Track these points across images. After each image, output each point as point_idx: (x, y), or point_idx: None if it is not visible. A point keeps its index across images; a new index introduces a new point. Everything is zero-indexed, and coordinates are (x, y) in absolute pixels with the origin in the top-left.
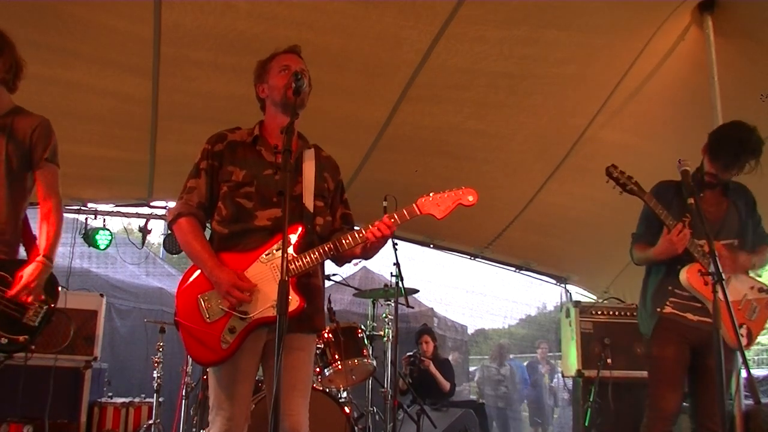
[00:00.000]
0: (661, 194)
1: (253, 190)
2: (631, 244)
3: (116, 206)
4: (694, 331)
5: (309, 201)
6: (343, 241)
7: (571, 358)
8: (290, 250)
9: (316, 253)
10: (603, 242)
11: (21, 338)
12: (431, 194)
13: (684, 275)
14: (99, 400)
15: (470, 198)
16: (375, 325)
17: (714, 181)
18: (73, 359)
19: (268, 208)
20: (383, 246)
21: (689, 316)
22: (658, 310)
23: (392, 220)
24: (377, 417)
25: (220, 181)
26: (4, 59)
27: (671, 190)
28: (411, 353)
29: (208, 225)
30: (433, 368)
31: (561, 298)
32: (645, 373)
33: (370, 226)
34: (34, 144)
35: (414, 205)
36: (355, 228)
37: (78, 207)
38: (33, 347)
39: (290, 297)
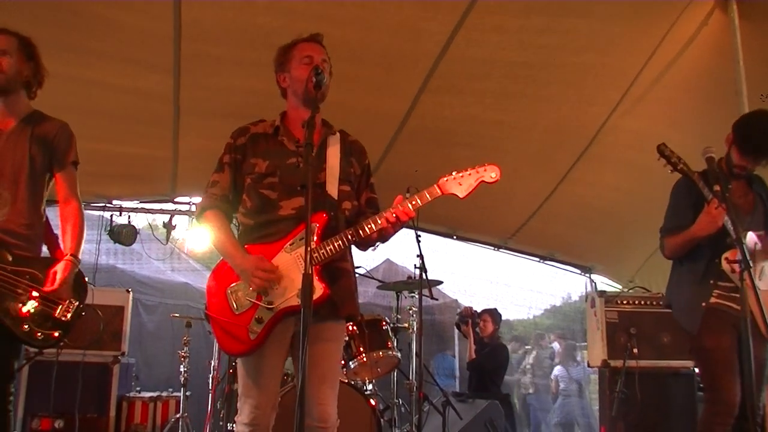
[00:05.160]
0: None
1: (277, 180)
2: (662, 238)
3: (140, 203)
4: (738, 321)
5: (333, 188)
6: (366, 227)
7: (597, 349)
8: (313, 238)
9: (339, 241)
10: (627, 231)
11: (55, 334)
12: (453, 173)
13: (727, 263)
14: (127, 394)
15: (493, 175)
16: (399, 317)
17: (742, 173)
18: (101, 354)
19: (292, 197)
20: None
21: (733, 305)
22: (704, 304)
23: (414, 203)
24: (403, 409)
25: (244, 173)
26: (32, 64)
27: (703, 180)
28: (461, 312)
29: (235, 217)
30: (469, 331)
31: (586, 288)
32: (671, 363)
33: (392, 211)
34: (56, 146)
35: (435, 185)
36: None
37: (103, 204)
38: (63, 343)
39: (315, 285)
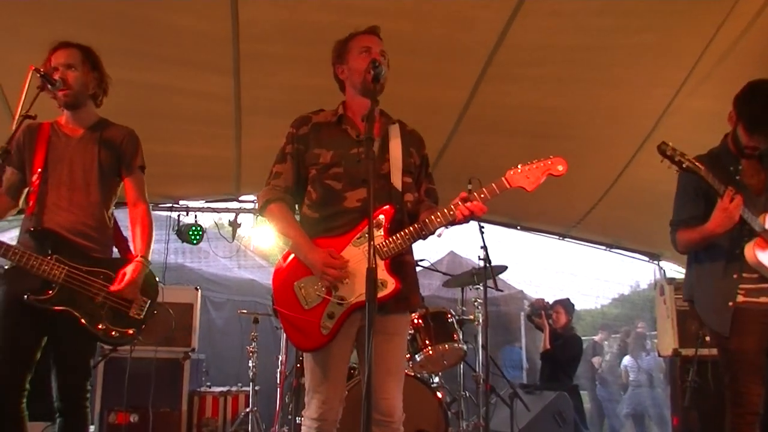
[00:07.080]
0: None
1: (342, 170)
2: (673, 232)
3: (206, 202)
4: None
5: (397, 179)
6: (434, 220)
7: (667, 338)
8: (381, 232)
9: (407, 234)
10: None
11: (129, 331)
12: (519, 166)
13: (750, 252)
14: (198, 389)
15: (560, 167)
16: (465, 309)
17: (753, 153)
18: (173, 351)
19: (357, 188)
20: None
21: (763, 299)
22: (731, 304)
23: (483, 196)
24: (470, 401)
25: (307, 164)
26: (96, 74)
27: (712, 171)
28: (533, 303)
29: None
30: (543, 323)
31: (655, 276)
32: None
33: (460, 204)
34: (124, 151)
35: (503, 178)
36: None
37: (170, 204)
38: (136, 340)
39: (386, 279)
